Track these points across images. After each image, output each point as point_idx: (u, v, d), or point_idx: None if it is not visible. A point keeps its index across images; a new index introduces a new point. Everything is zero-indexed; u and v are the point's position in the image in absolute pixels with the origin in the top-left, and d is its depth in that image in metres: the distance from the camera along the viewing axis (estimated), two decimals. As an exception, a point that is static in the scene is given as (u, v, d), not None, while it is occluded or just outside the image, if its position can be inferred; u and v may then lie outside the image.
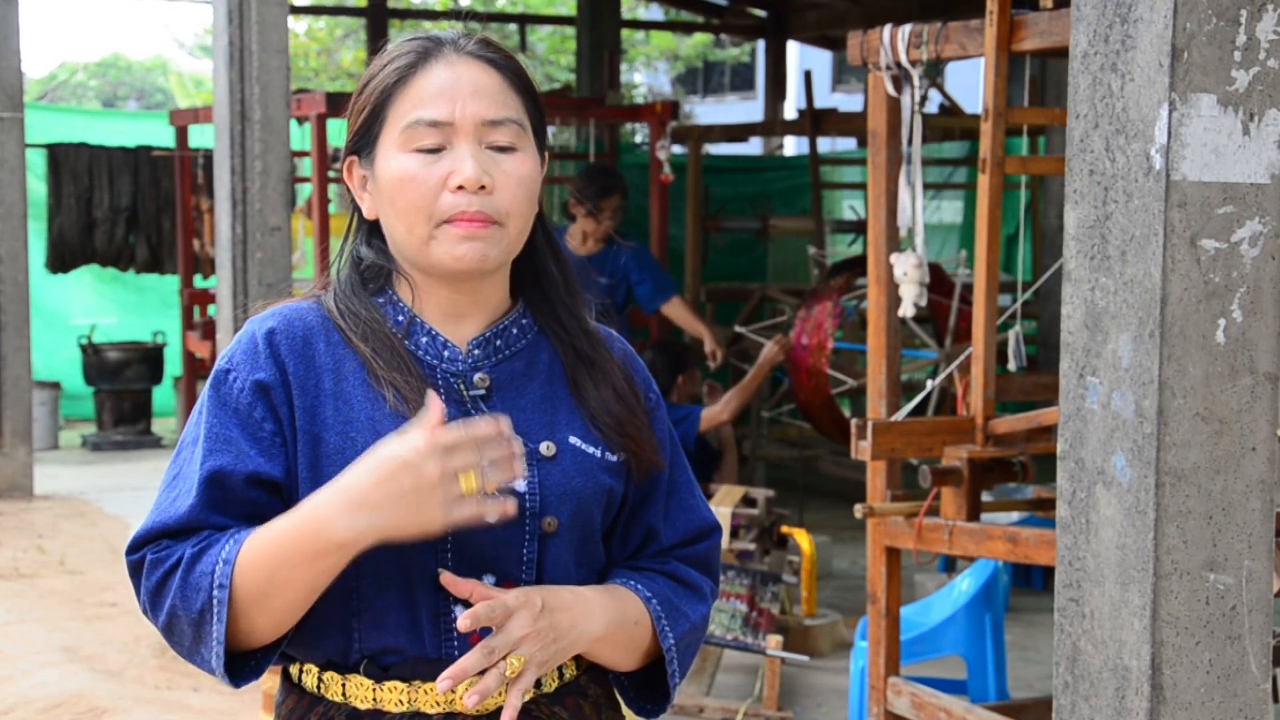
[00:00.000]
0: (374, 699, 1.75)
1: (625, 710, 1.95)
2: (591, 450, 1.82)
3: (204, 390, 1.79)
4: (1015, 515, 5.03)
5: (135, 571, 1.74)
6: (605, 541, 1.89)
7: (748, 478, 8.17)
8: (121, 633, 5.94)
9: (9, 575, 6.92)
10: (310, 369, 1.77)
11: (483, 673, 1.70)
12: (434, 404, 1.64)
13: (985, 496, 4.37)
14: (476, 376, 1.81)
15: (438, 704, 1.74)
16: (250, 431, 1.74)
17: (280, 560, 1.66)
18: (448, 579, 1.69)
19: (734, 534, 5.37)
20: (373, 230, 1.87)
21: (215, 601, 1.66)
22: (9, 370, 8.64)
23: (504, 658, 1.69)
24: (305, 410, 1.75)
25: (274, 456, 1.74)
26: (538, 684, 1.79)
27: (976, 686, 4.94)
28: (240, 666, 1.75)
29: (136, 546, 1.74)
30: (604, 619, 1.79)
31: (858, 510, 4.12)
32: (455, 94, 1.77)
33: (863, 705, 4.56)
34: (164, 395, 11.74)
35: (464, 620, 1.65)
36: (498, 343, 1.84)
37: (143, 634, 5.89)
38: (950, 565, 6.63)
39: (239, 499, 1.73)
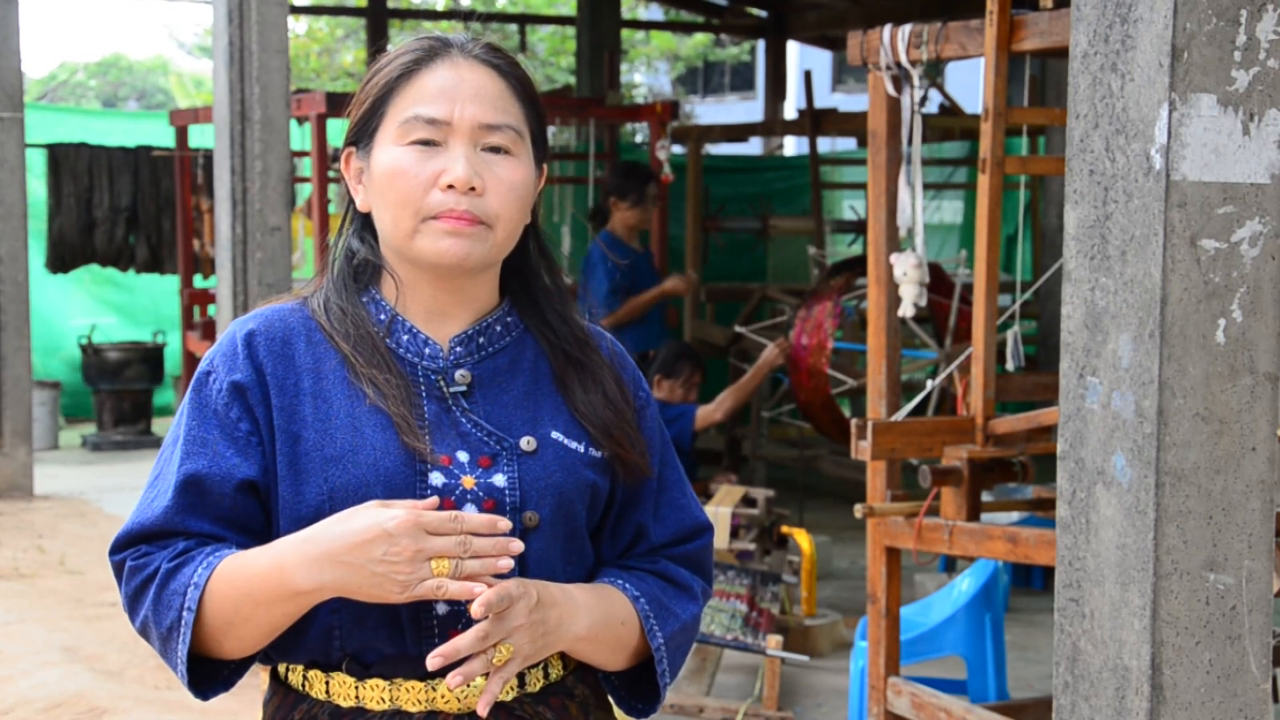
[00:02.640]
0: (356, 697, 1.77)
1: (616, 710, 1.95)
2: (575, 445, 1.83)
3: (188, 392, 1.82)
4: (1015, 515, 5.03)
5: (117, 574, 1.78)
6: (594, 540, 1.89)
7: (748, 478, 8.17)
8: (121, 633, 5.94)
9: (9, 575, 6.92)
10: (290, 369, 1.79)
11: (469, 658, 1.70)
12: (430, 501, 1.68)
13: (985, 496, 4.37)
14: (458, 373, 1.82)
15: (419, 702, 1.76)
16: (227, 432, 1.76)
17: (244, 597, 1.70)
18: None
19: (734, 534, 5.36)
20: (365, 223, 1.88)
21: (183, 624, 1.70)
22: (9, 370, 8.64)
23: (494, 645, 1.69)
24: (283, 409, 1.77)
25: (250, 457, 1.76)
26: (522, 683, 1.80)
27: (976, 686, 4.94)
28: (211, 676, 1.79)
29: (118, 548, 1.78)
30: (588, 618, 1.79)
31: (858, 510, 4.12)
32: (456, 95, 1.79)
33: (863, 705, 4.56)
34: (164, 395, 11.74)
35: (479, 607, 1.65)
36: (480, 340, 1.85)
37: (143, 634, 5.88)
38: (950, 565, 6.63)
39: (214, 502, 1.75)
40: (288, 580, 1.68)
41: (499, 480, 1.77)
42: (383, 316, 1.83)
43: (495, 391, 1.83)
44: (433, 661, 1.67)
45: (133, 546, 1.76)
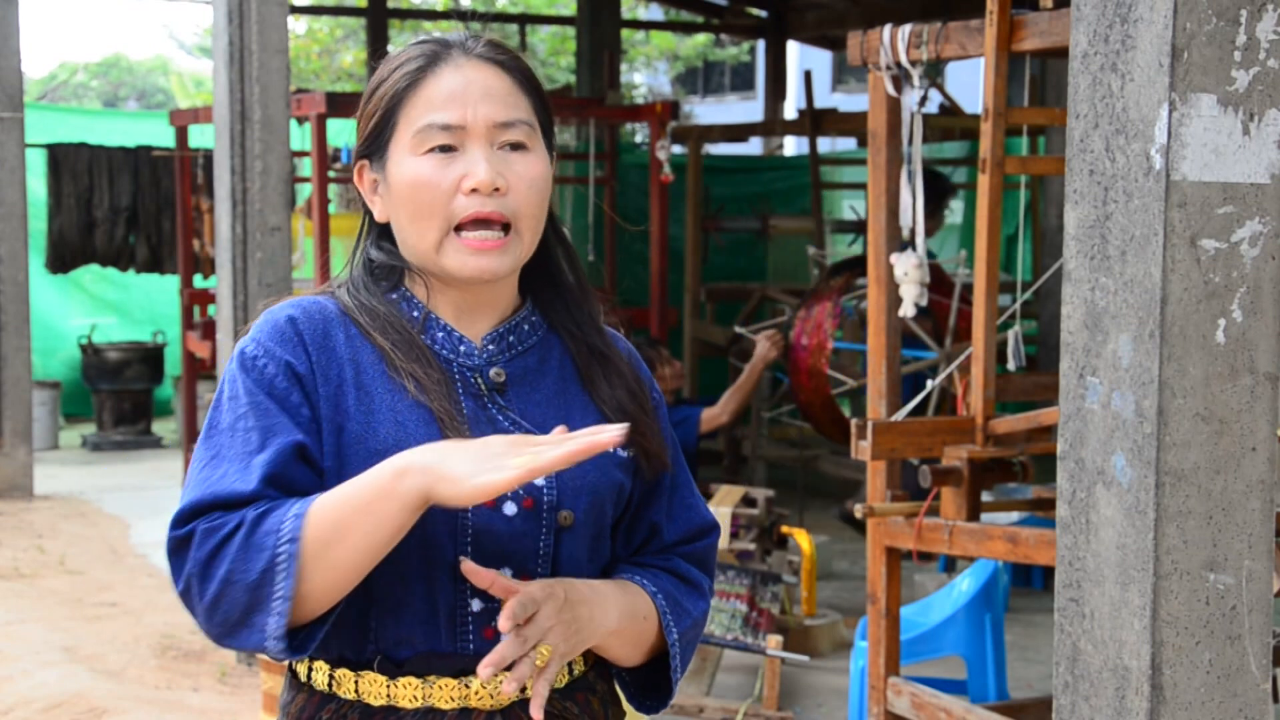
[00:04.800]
0: (388, 695, 1.75)
1: (626, 706, 1.96)
2: None
3: (231, 375, 1.75)
4: (1015, 515, 5.03)
5: (182, 546, 1.64)
6: (610, 536, 1.90)
7: (748, 478, 8.17)
8: (121, 633, 5.94)
9: (9, 575, 6.91)
10: (331, 359, 1.77)
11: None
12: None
13: (985, 496, 4.37)
14: (493, 371, 1.83)
15: (452, 699, 1.75)
16: (293, 416, 1.72)
17: (343, 504, 1.62)
18: (469, 567, 1.69)
19: (734, 534, 5.36)
20: (383, 234, 1.88)
21: (285, 555, 1.60)
22: (9, 370, 8.63)
23: (534, 647, 1.69)
24: (329, 399, 1.75)
25: (315, 442, 1.72)
26: None
27: (976, 686, 4.94)
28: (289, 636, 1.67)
29: (184, 520, 1.65)
30: (617, 613, 1.80)
31: (858, 510, 4.12)
32: (466, 97, 1.78)
33: (863, 705, 4.55)
34: (164, 395, 11.74)
35: (504, 621, 1.66)
36: (510, 338, 1.86)
37: (143, 634, 5.88)
38: (950, 565, 6.62)
39: (295, 476, 1.68)
40: (389, 466, 1.62)
41: (538, 479, 1.77)
42: (415, 314, 1.83)
43: (527, 390, 1.84)
44: (485, 672, 1.66)
45: (204, 514, 1.65)
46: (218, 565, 1.62)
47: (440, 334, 1.83)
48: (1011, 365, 4.25)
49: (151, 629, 5.91)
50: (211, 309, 9.51)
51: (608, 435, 1.61)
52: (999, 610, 5.04)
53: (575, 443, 1.61)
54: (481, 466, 1.59)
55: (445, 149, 1.77)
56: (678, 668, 1.88)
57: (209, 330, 9.03)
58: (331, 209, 7.62)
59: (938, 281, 6.25)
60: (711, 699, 4.93)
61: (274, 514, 1.62)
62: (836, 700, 5.20)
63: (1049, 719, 3.81)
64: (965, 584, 5.07)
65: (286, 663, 1.84)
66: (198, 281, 9.93)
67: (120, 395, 10.81)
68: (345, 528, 1.61)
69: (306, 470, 1.69)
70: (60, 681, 5.30)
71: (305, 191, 8.90)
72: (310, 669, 1.81)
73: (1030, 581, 6.82)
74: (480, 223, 1.76)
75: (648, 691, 1.93)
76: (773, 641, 4.81)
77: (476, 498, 1.59)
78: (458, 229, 1.76)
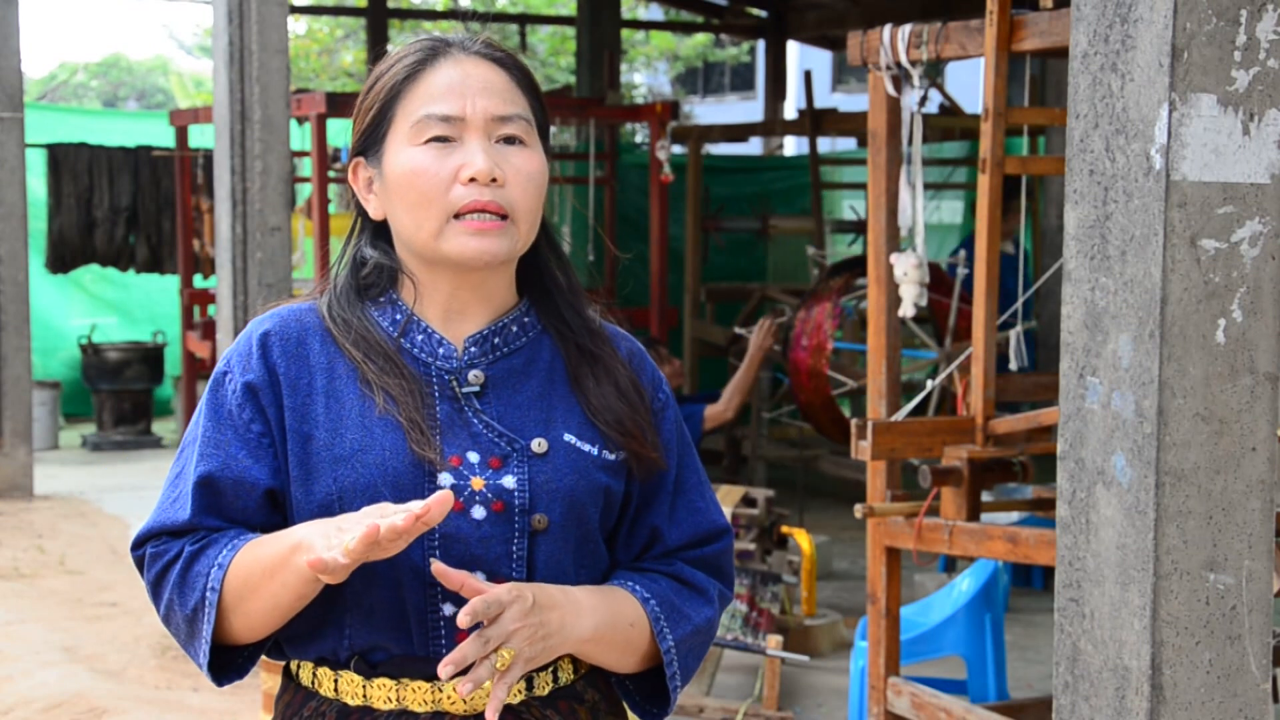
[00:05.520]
0: (363, 695, 1.77)
1: (630, 715, 1.94)
2: (588, 448, 1.82)
3: (206, 390, 1.84)
4: (1015, 515, 5.03)
5: (139, 566, 1.82)
6: (610, 544, 1.88)
7: (748, 478, 8.17)
8: (121, 633, 5.94)
9: (9, 575, 6.92)
10: (304, 368, 1.79)
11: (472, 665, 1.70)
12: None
13: (985, 496, 4.37)
14: (471, 374, 1.82)
15: (425, 702, 1.75)
16: (240, 434, 1.78)
17: (255, 563, 1.72)
18: (439, 568, 1.69)
19: (734, 534, 5.37)
20: (377, 233, 1.88)
21: (207, 604, 1.73)
22: (9, 370, 8.63)
23: (496, 649, 1.68)
24: (295, 410, 1.77)
25: (261, 459, 1.78)
26: (530, 685, 1.79)
27: (976, 686, 4.94)
28: (226, 664, 1.81)
29: (139, 544, 1.81)
30: (593, 620, 1.78)
31: (858, 510, 4.12)
32: (465, 90, 1.79)
33: (863, 705, 4.56)
34: (164, 395, 11.74)
35: (464, 616, 1.65)
36: (495, 340, 1.84)
37: (143, 634, 5.89)
38: (950, 565, 6.63)
39: (228, 503, 1.78)
40: (290, 537, 1.70)
41: (508, 482, 1.76)
42: (399, 316, 1.83)
43: (508, 392, 1.82)
44: (444, 670, 1.66)
45: (153, 539, 1.80)
46: (163, 589, 1.79)
47: (420, 336, 1.83)
48: (1014, 365, 4.25)
49: (151, 629, 5.91)
50: (211, 309, 9.52)
51: (421, 506, 1.61)
52: (999, 610, 5.04)
53: (379, 522, 1.60)
54: (329, 544, 1.64)
55: (443, 140, 1.78)
56: (675, 675, 1.85)
57: (209, 330, 9.04)
58: (331, 209, 7.62)
59: (937, 281, 6.25)
60: (711, 699, 4.94)
61: (205, 555, 1.75)
62: (836, 700, 5.20)
63: (1049, 719, 3.82)
64: (965, 584, 5.07)
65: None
66: (198, 281, 9.94)
67: (120, 395, 10.81)
68: (255, 587, 1.72)
69: (235, 498, 1.78)
70: (60, 681, 5.30)
71: (305, 191, 8.91)
72: (298, 666, 1.83)
73: (1030, 581, 6.82)
74: (478, 212, 1.77)
75: (653, 699, 1.91)
76: (773, 641, 4.81)
77: (321, 573, 1.63)
78: (457, 216, 1.77)
